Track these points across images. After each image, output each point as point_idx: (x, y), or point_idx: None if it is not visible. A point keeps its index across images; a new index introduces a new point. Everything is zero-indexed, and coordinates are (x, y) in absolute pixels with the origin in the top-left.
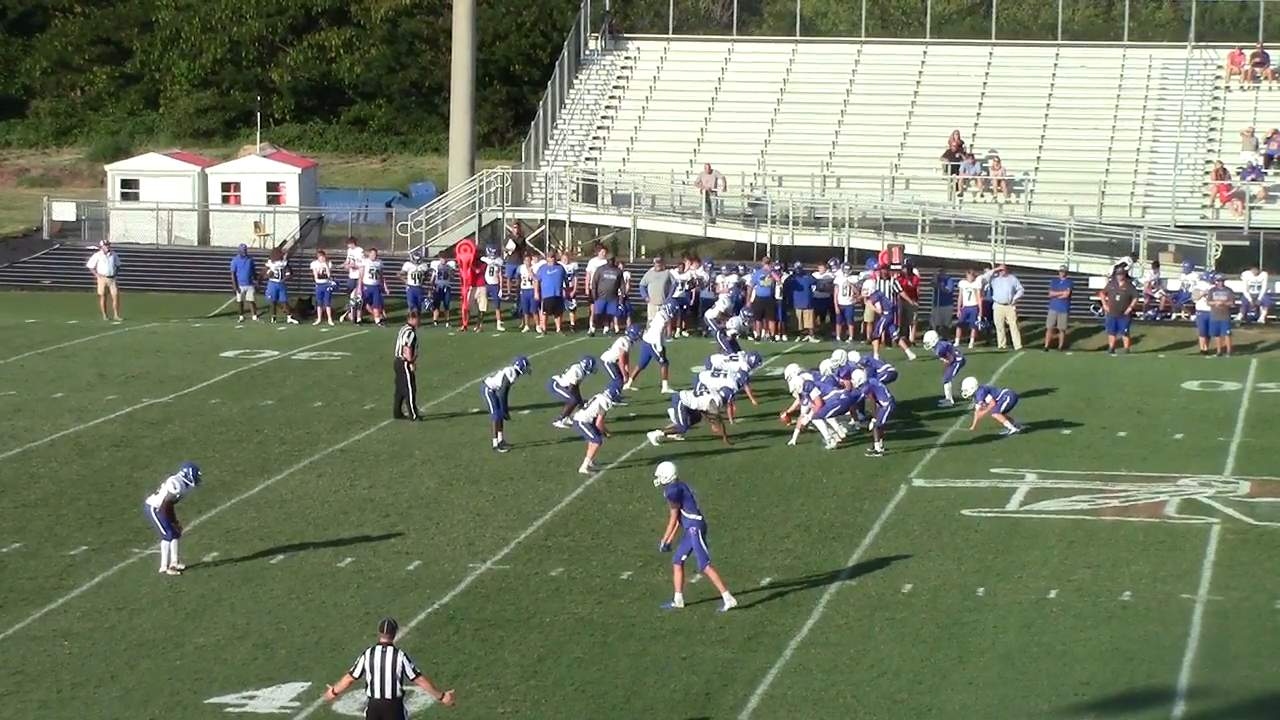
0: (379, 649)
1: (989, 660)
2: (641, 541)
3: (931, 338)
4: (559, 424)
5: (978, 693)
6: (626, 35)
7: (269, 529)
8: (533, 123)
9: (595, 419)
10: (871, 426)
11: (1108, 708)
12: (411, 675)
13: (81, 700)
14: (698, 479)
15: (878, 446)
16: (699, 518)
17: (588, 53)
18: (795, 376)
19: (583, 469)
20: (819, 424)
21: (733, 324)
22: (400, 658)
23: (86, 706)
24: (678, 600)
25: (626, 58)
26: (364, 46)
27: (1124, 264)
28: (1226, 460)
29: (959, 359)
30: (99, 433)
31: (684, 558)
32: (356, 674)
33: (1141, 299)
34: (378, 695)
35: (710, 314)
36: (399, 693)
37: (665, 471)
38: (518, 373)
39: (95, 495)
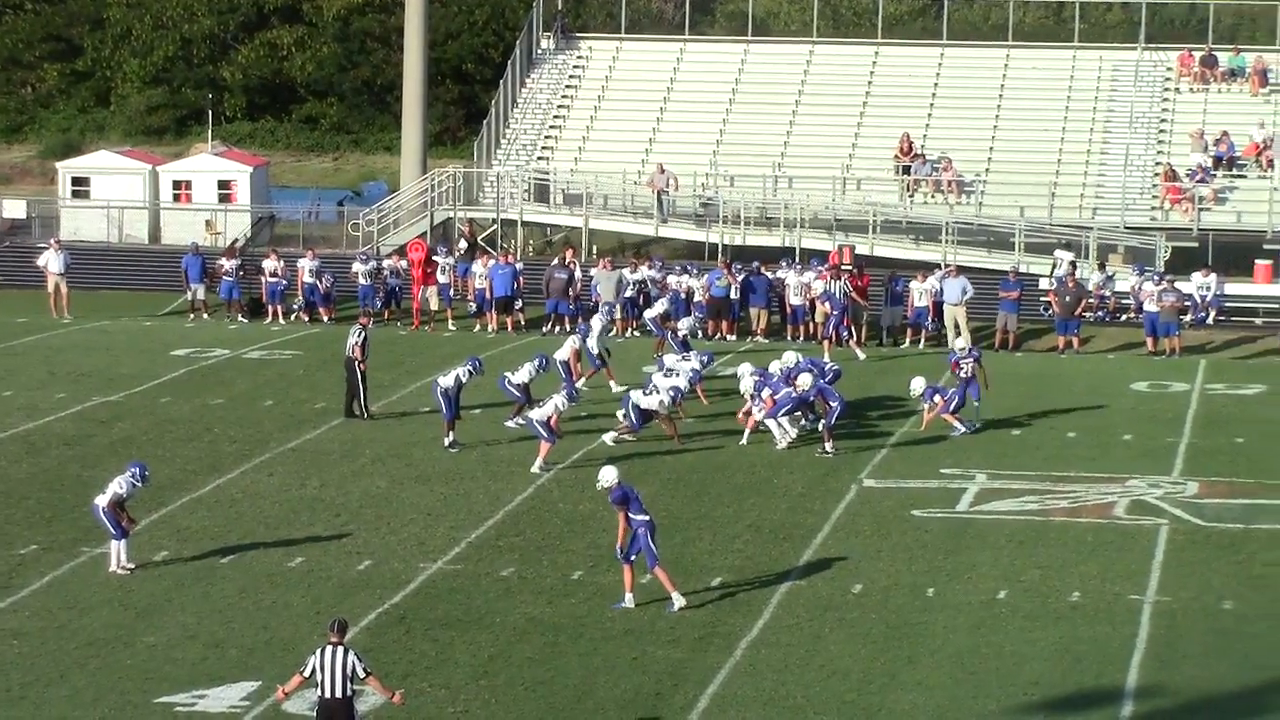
0: (329, 648)
1: (939, 660)
2: (592, 541)
3: (918, 385)
4: (510, 424)
5: (927, 693)
6: (578, 35)
7: (219, 528)
8: (485, 122)
9: (550, 418)
10: (821, 427)
11: (1057, 708)
12: (362, 675)
13: (31, 700)
14: (649, 479)
15: (828, 447)
16: (647, 518)
17: (540, 52)
18: (746, 376)
19: (534, 468)
20: (770, 424)
21: (684, 324)
22: (350, 657)
23: (36, 706)
24: (628, 600)
25: (578, 57)
26: (316, 45)
27: (1073, 260)
28: (1175, 461)
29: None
30: (49, 431)
31: (633, 557)
32: (307, 674)
33: (1091, 300)
34: (328, 695)
35: (649, 314)
36: (349, 692)
37: (607, 475)
38: (470, 373)
39: (45, 494)
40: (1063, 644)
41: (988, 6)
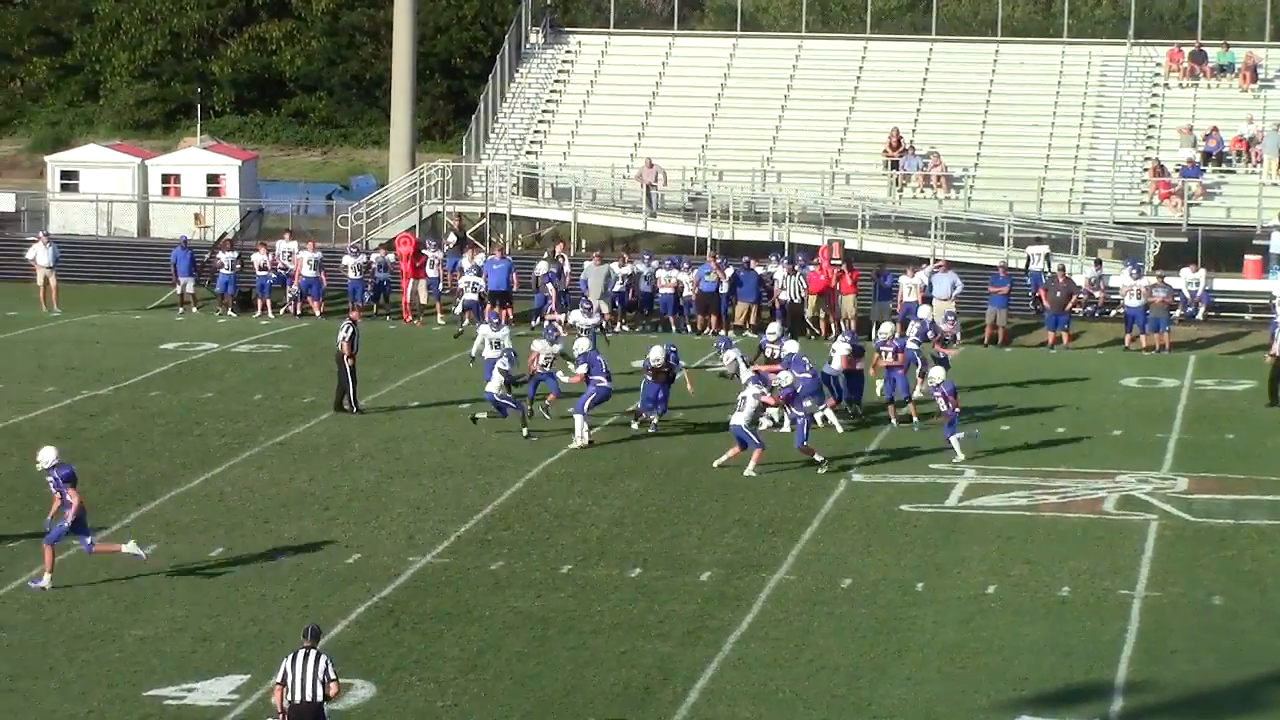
0: (301, 652)
1: (927, 655)
2: (581, 536)
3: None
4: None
5: (916, 688)
6: (567, 29)
7: (208, 522)
8: (473, 116)
9: (754, 414)
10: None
11: (1046, 703)
12: (333, 676)
13: (20, 693)
14: (638, 473)
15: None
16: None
17: (529, 46)
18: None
19: (748, 472)
20: (577, 418)
21: (574, 316)
22: (324, 660)
23: (25, 699)
24: (46, 580)
25: (567, 51)
26: (305, 39)
27: (1048, 254)
28: (1165, 457)
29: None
30: (38, 425)
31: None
32: (279, 679)
33: (1081, 295)
34: (299, 699)
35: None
36: (320, 697)
37: (46, 456)
38: (509, 362)
39: (34, 487)
40: (1052, 639)
41: (976, 1)
